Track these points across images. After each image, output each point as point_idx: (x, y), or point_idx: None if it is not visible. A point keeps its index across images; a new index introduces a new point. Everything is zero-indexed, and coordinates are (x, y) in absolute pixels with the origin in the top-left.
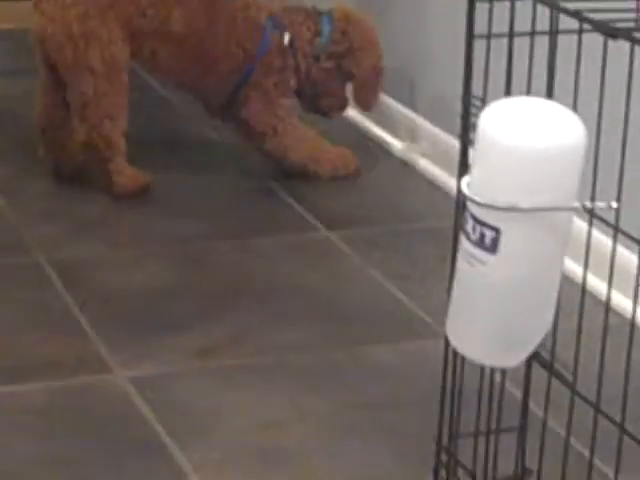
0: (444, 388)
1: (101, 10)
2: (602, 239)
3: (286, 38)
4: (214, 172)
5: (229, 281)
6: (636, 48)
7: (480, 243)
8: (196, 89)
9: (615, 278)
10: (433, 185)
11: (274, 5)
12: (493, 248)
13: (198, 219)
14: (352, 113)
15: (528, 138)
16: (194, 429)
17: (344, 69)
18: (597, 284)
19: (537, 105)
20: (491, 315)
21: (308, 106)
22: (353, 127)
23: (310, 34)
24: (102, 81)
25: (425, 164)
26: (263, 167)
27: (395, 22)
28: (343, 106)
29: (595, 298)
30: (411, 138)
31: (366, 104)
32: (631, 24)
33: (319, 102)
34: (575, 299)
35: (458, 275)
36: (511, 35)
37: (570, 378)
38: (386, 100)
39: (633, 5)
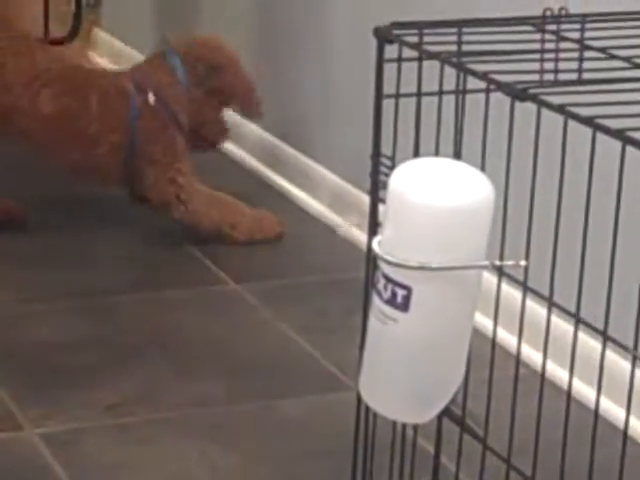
0: (356, 443)
1: None
2: (512, 293)
3: (150, 97)
4: (120, 227)
5: (137, 335)
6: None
7: (392, 301)
8: (83, 171)
9: (525, 333)
10: (338, 237)
11: (132, 69)
12: (405, 306)
13: (105, 273)
14: (254, 163)
15: (438, 197)
16: None
17: (215, 89)
18: (507, 337)
19: (447, 165)
20: (403, 372)
21: (192, 144)
22: (255, 177)
23: (167, 78)
24: None
25: (328, 215)
26: (169, 221)
27: (304, 79)
28: (223, 130)
29: (505, 350)
30: (311, 189)
31: (252, 109)
32: (537, 85)
33: (200, 133)
34: (485, 352)
35: (370, 333)
36: (419, 94)
37: (481, 433)
38: (290, 151)
39: (537, 66)
